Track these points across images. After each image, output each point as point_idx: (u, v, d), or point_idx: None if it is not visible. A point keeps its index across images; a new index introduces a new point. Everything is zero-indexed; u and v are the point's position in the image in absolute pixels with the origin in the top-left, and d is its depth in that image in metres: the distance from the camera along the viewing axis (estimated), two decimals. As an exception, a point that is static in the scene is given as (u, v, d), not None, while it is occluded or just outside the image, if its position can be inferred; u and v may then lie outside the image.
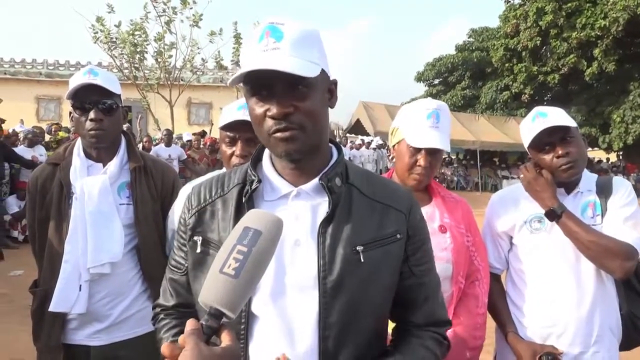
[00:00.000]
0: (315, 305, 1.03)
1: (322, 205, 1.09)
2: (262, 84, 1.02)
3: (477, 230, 1.92)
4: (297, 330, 1.03)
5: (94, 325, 1.94)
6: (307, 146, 1.05)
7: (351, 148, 17.32)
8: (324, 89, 1.08)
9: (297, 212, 1.09)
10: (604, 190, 1.86)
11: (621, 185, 1.87)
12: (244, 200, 1.10)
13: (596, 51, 21.09)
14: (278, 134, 1.02)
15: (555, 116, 1.82)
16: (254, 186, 1.10)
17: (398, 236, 1.12)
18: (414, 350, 1.13)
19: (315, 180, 1.09)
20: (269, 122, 1.02)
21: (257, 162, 1.18)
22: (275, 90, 1.01)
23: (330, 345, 1.03)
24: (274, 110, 1.00)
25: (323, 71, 1.05)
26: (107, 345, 1.95)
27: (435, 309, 1.19)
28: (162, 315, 1.24)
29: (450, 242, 1.77)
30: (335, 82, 1.13)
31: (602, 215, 1.82)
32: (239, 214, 1.09)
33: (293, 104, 1.00)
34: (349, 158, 15.76)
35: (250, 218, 0.88)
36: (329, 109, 1.12)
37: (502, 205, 2.00)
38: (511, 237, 1.98)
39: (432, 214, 1.82)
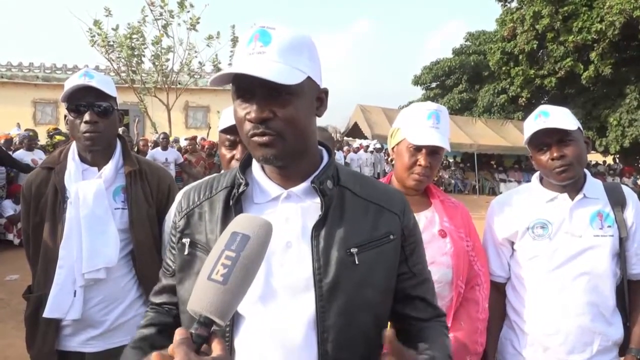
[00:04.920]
0: (312, 308, 1.03)
1: (313, 208, 1.09)
2: (245, 86, 1.02)
3: (477, 235, 1.90)
4: (292, 333, 1.02)
5: (89, 331, 1.92)
6: (286, 153, 1.05)
7: (348, 151, 17.33)
8: (311, 97, 1.08)
9: (287, 214, 1.09)
10: (616, 201, 1.83)
11: (635, 197, 1.86)
12: (231, 203, 1.11)
13: (593, 55, 21.14)
14: (256, 139, 1.03)
15: (557, 117, 1.80)
16: (241, 189, 1.11)
17: (391, 237, 1.13)
18: (436, 339, 1.13)
19: (305, 183, 1.10)
20: (248, 125, 1.03)
21: (246, 166, 1.18)
22: (256, 95, 1.01)
23: (329, 348, 1.02)
24: (252, 114, 1.01)
25: (311, 79, 1.05)
26: (102, 351, 1.93)
27: (436, 304, 1.24)
28: (148, 309, 1.27)
29: (451, 246, 1.76)
30: (325, 91, 1.13)
31: (619, 227, 1.80)
32: (226, 216, 1.10)
33: (272, 110, 1.01)
34: (346, 162, 15.76)
35: (238, 223, 0.86)
36: (317, 117, 1.12)
37: (503, 211, 1.97)
38: (512, 243, 1.95)
39: (431, 218, 1.81)
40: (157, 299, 1.25)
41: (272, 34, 1.01)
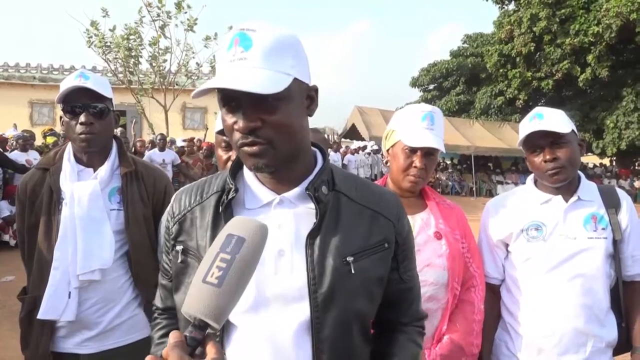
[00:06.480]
0: (306, 318, 1.01)
1: (306, 214, 1.06)
2: (230, 96, 0.97)
3: (472, 237, 1.90)
4: (285, 343, 1.00)
5: (84, 333, 1.91)
6: (278, 160, 1.01)
7: (345, 153, 17.32)
8: (300, 97, 1.03)
9: (280, 220, 1.05)
10: (611, 203, 1.84)
11: (630, 200, 1.87)
12: (220, 210, 1.08)
13: (590, 57, 21.25)
14: (246, 149, 0.99)
15: (551, 120, 1.80)
16: (230, 195, 1.07)
17: (386, 245, 1.10)
18: (405, 348, 1.17)
19: (299, 188, 1.06)
20: (237, 135, 0.99)
21: (237, 169, 1.14)
22: (243, 104, 0.96)
23: (324, 359, 1.01)
24: (240, 124, 0.97)
25: (297, 80, 0.99)
26: (97, 353, 1.92)
27: (419, 308, 1.24)
28: (156, 314, 1.25)
29: (446, 248, 1.76)
30: (315, 89, 1.07)
31: (613, 230, 1.80)
32: (216, 222, 1.07)
33: (261, 118, 0.96)
34: (343, 163, 15.76)
35: (234, 225, 0.85)
36: (309, 116, 1.08)
37: (498, 212, 1.98)
38: (507, 245, 1.95)
39: (427, 220, 1.81)
40: (161, 304, 1.23)
41: (252, 37, 0.95)
